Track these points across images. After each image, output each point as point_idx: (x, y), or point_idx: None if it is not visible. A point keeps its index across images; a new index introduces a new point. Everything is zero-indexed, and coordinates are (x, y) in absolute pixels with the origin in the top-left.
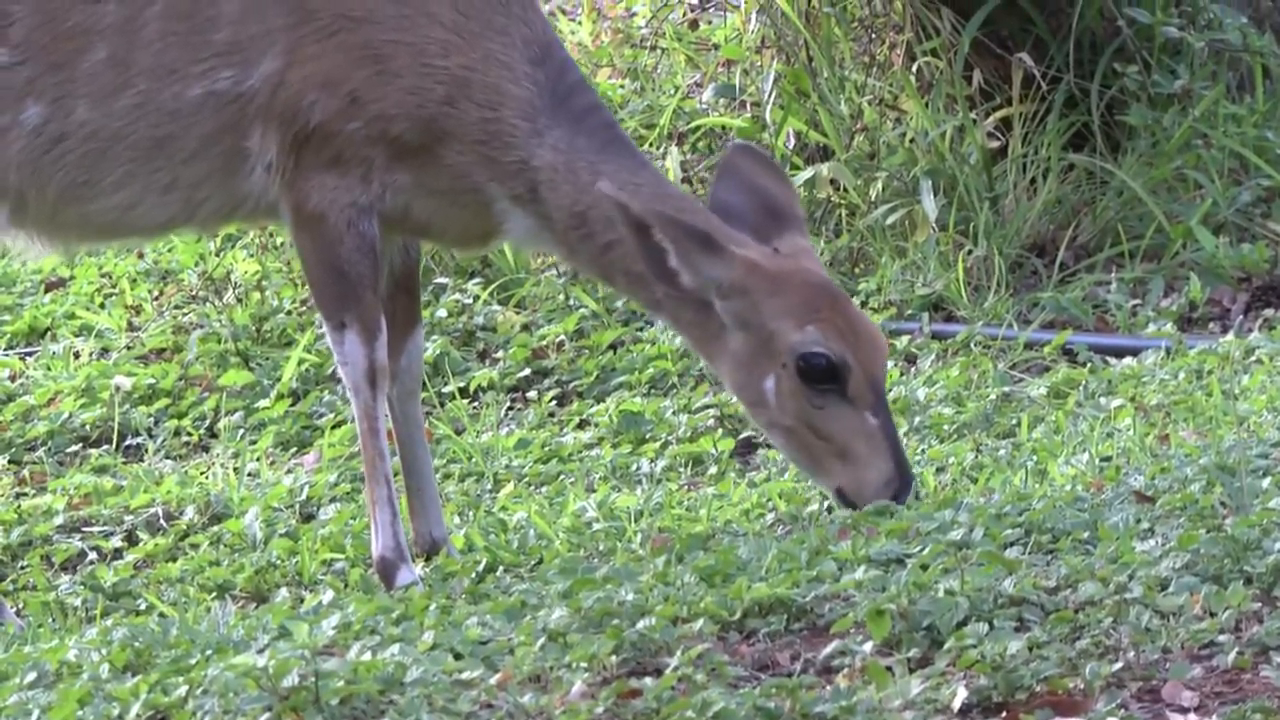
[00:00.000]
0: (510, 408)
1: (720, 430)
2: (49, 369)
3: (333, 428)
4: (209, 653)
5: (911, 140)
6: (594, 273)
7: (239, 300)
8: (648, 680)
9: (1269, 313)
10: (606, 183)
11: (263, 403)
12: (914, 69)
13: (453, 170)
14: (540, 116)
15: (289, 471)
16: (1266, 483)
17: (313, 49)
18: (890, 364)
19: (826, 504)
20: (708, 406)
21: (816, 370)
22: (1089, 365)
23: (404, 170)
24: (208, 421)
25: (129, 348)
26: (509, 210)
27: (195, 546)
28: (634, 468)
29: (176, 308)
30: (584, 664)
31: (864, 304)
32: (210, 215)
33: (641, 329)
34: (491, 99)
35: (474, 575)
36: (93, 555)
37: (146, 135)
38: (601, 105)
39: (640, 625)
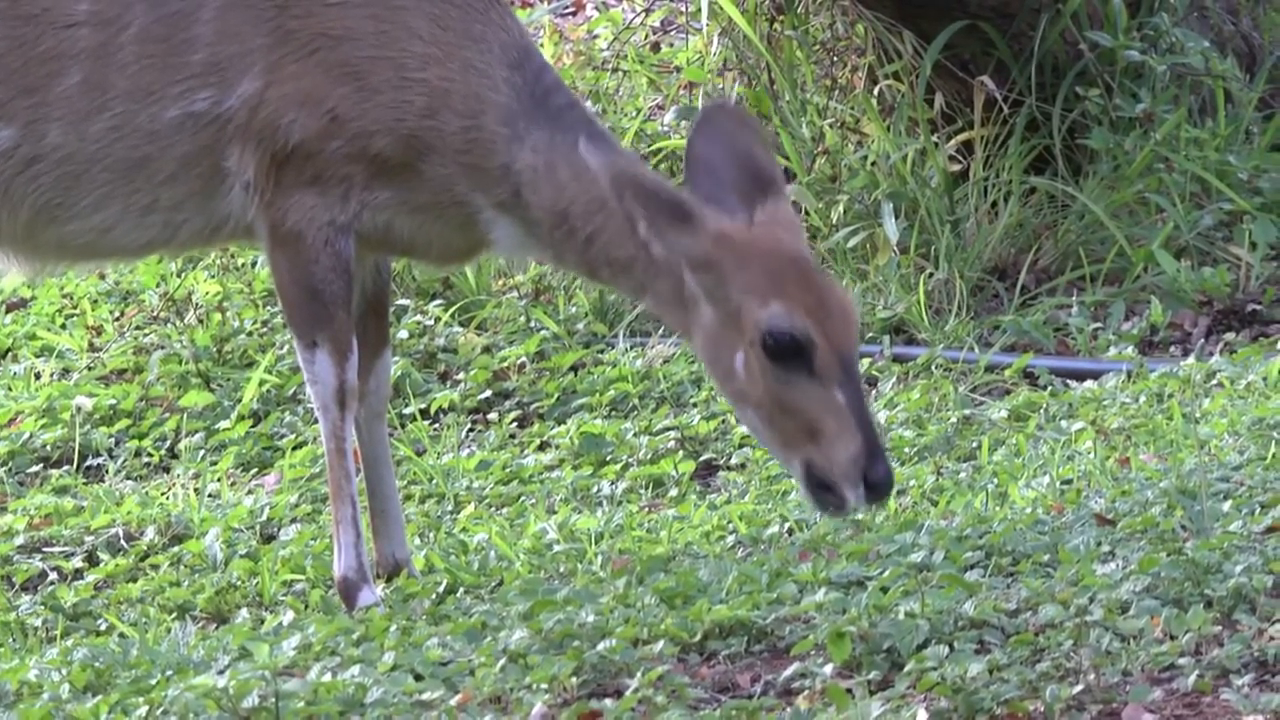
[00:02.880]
0: (471, 429)
1: (681, 452)
2: (9, 389)
3: (294, 449)
4: (169, 673)
5: (873, 163)
6: (580, 271)
7: (200, 321)
8: (608, 702)
9: (1230, 336)
10: (585, 144)
11: (224, 424)
12: (876, 92)
13: (434, 184)
14: (519, 120)
15: (250, 492)
16: (1227, 506)
17: (292, 68)
18: None
19: (787, 526)
20: (669, 429)
21: (782, 347)
22: (1050, 388)
23: (384, 187)
24: (169, 442)
25: (90, 368)
26: (495, 219)
27: (156, 567)
28: (595, 489)
29: (138, 328)
30: (544, 685)
31: None
32: (191, 236)
33: (602, 351)
34: (472, 107)
35: (434, 596)
36: (53, 575)
37: (123, 157)
38: (578, 102)
39: (601, 647)
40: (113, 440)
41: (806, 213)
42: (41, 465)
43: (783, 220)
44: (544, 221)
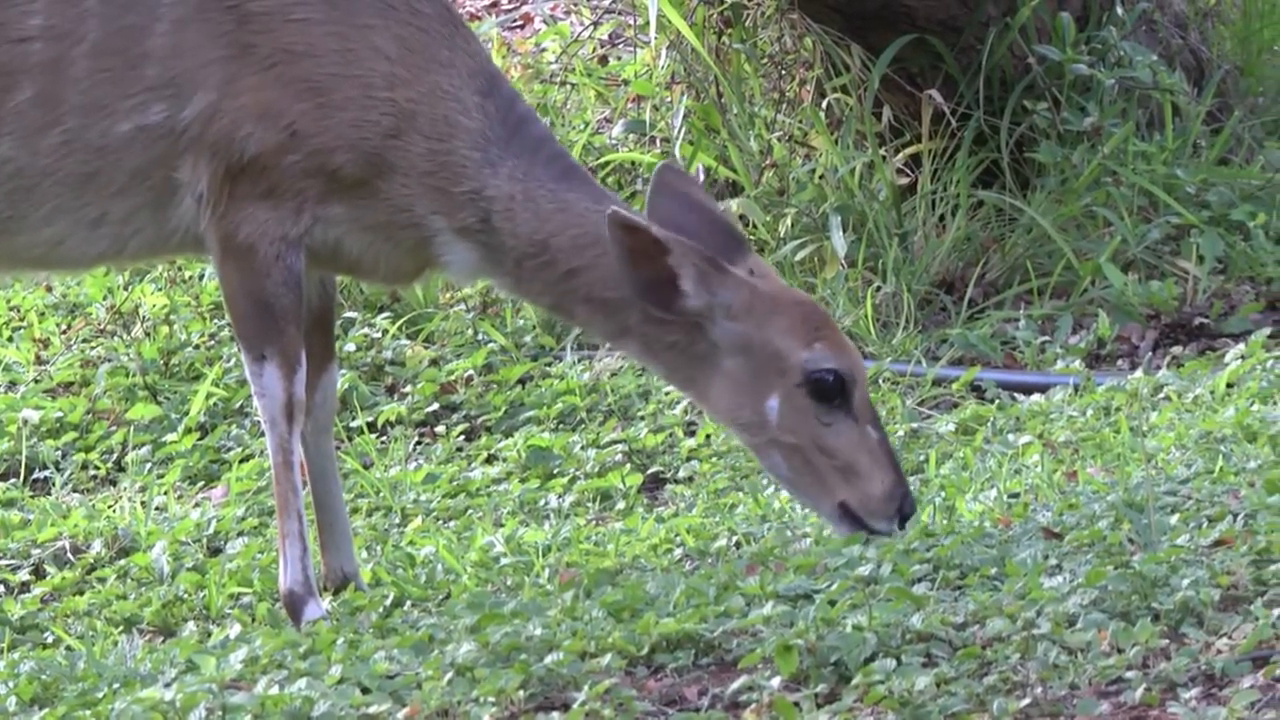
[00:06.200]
0: (418, 442)
1: (628, 465)
2: None
3: (241, 461)
4: (116, 686)
5: (821, 176)
6: (545, 301)
7: (147, 334)
8: (555, 715)
9: (1177, 350)
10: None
11: (170, 436)
12: (824, 105)
13: (392, 204)
14: (492, 147)
15: (196, 505)
16: (1174, 519)
17: (250, 81)
18: None
19: (735, 539)
20: (616, 442)
21: (826, 387)
22: (997, 402)
23: (338, 203)
24: (115, 455)
25: (37, 381)
26: (452, 243)
27: (102, 580)
28: (542, 503)
29: (84, 341)
30: (491, 698)
31: None
32: (141, 248)
33: (550, 364)
34: (440, 130)
35: (381, 609)
36: None
37: (74, 171)
38: (552, 136)
39: (548, 660)
40: (59, 453)
41: (754, 226)
42: None
43: (770, 272)
44: (514, 250)
